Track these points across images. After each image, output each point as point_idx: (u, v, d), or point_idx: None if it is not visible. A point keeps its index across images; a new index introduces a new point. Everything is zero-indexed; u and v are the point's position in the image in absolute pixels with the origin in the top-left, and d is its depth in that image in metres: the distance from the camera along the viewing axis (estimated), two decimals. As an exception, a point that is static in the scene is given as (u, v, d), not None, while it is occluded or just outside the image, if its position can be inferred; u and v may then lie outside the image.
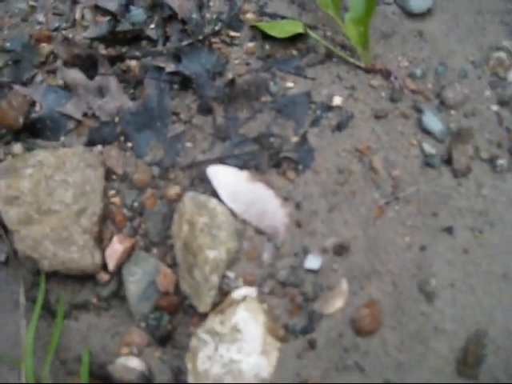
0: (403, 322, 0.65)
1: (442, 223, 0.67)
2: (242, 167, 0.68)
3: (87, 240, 0.67)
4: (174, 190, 0.69)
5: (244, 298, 0.65)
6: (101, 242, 0.68)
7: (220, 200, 0.66)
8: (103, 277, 0.68)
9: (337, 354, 0.64)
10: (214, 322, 0.64)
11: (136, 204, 0.69)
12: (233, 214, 0.67)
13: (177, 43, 0.73)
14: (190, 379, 0.64)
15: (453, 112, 0.70)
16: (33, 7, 0.79)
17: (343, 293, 0.66)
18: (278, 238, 0.66)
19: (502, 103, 0.71)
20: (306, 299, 0.65)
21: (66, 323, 0.68)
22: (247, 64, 0.72)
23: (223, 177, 0.68)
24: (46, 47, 0.76)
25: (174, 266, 0.67)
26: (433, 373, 0.64)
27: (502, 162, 0.68)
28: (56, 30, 0.77)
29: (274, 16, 0.75)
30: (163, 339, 0.67)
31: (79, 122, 0.71)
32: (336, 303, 0.66)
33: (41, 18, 0.79)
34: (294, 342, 0.65)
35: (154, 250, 0.68)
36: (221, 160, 0.69)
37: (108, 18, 0.76)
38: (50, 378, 0.65)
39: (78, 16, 0.77)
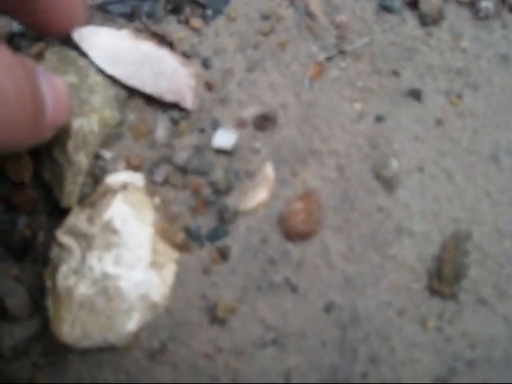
0: (352, 221, 0.46)
1: (405, 85, 0.48)
2: (130, 15, 0.49)
3: None
4: (37, 48, 0.49)
5: (124, 186, 0.46)
6: None
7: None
8: None
9: (259, 268, 0.45)
10: (78, 218, 0.45)
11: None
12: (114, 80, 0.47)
13: None
14: (49, 302, 0.45)
15: None
16: None
17: (268, 181, 0.47)
18: (185, 104, 0.47)
19: None
20: (216, 191, 0.46)
21: None
22: None
23: (96, 39, 0.48)
24: None
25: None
26: (395, 291, 0.45)
27: (486, 5, 0.50)
28: None
29: None
30: (20, 250, 0.48)
31: None
32: (257, 196, 0.46)
33: None
34: (198, 251, 0.46)
35: None
36: (102, 7, 0.50)
37: None
38: None
39: None
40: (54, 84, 0.37)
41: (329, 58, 0.48)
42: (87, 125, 0.45)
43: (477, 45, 0.49)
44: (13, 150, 0.34)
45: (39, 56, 0.49)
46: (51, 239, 0.46)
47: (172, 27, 0.49)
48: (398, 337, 0.45)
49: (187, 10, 0.49)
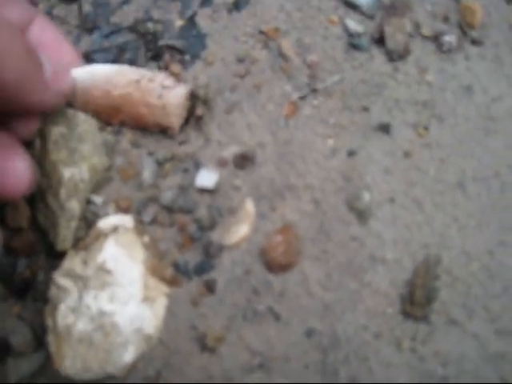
0: (329, 251, 0.50)
1: (375, 120, 0.52)
2: (113, 61, 0.53)
3: None
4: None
5: (115, 229, 0.50)
6: None
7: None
8: None
9: (244, 298, 0.49)
10: (73, 261, 0.49)
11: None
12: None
13: None
14: (50, 339, 0.49)
15: (384, -21, 0.55)
16: None
17: (249, 216, 0.50)
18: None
19: (449, -35, 0.56)
20: (201, 228, 0.50)
21: None
22: None
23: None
24: None
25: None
26: (371, 316, 0.49)
27: (449, 39, 0.53)
28: None
29: None
30: (21, 290, 0.52)
31: None
32: (240, 230, 0.50)
33: None
34: (186, 284, 0.50)
35: None
36: (87, 56, 0.53)
37: None
38: None
39: None
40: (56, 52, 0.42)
41: (302, 97, 0.52)
42: (78, 173, 0.49)
43: (441, 77, 0.53)
44: (19, 106, 0.37)
45: None
46: (50, 280, 0.50)
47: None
48: (375, 358, 0.49)
49: (167, 57, 0.53)
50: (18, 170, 0.40)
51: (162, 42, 0.53)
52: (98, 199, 0.50)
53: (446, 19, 0.54)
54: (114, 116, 0.50)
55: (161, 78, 0.49)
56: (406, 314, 0.50)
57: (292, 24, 0.54)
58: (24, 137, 0.44)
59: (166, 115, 0.49)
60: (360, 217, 0.51)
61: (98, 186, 0.51)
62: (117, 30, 0.54)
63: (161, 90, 0.48)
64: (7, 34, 0.35)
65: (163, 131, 0.50)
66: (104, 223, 0.50)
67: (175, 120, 0.49)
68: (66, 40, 0.45)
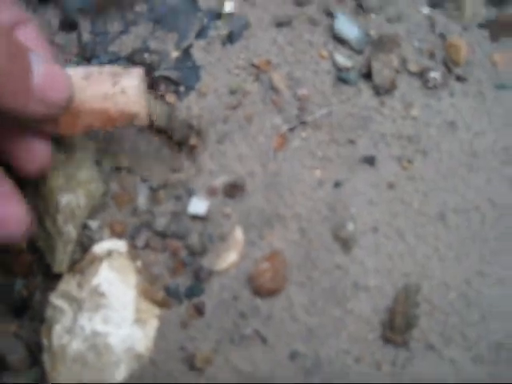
0: (314, 278, 0.53)
1: (361, 152, 0.55)
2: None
3: None
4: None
5: (109, 254, 0.53)
6: None
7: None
8: None
9: (231, 322, 0.52)
10: (69, 284, 0.52)
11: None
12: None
13: None
14: (45, 358, 0.52)
15: (373, 16, 0.58)
16: None
17: (238, 243, 0.53)
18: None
19: (435, 4, 0.59)
20: (192, 253, 0.53)
21: None
22: (118, -34, 0.60)
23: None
24: None
25: (23, 216, 0.54)
26: (353, 341, 0.52)
27: (434, 75, 0.56)
28: None
29: None
30: (18, 309, 0.55)
31: None
32: (229, 257, 0.53)
33: None
34: (177, 307, 0.53)
35: None
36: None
37: None
38: None
39: None
40: (48, 63, 0.38)
41: (291, 129, 0.55)
42: (75, 199, 0.52)
43: (426, 113, 0.56)
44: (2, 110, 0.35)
45: None
46: (46, 300, 0.53)
47: (152, 103, 0.55)
48: (356, 381, 0.52)
49: (162, 87, 0.55)
50: (17, 217, 0.40)
51: (157, 73, 0.56)
52: (93, 224, 0.53)
53: (431, 56, 0.57)
54: (75, 124, 0.45)
55: (108, 68, 0.45)
56: (387, 340, 0.52)
57: (283, 58, 0.56)
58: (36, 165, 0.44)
59: (128, 101, 0.45)
60: (344, 246, 0.53)
61: (93, 211, 0.54)
62: (115, 59, 0.57)
63: (113, 77, 0.45)
64: None
65: (132, 122, 0.46)
66: (99, 248, 0.53)
67: (139, 103, 0.45)
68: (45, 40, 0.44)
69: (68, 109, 0.42)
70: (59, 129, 0.44)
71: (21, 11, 0.42)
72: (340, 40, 0.57)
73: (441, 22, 0.58)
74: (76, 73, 0.43)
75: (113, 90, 0.44)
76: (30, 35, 0.42)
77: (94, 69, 0.44)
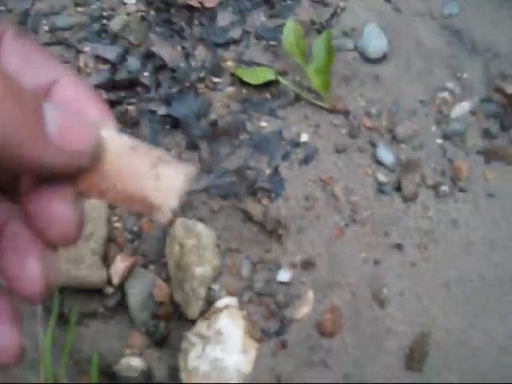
0: (360, 325, 0.80)
1: (393, 241, 0.82)
2: (224, 196, 0.84)
3: (95, 259, 0.83)
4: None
5: (226, 307, 0.81)
6: (106, 260, 0.84)
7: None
8: (108, 290, 0.84)
9: (305, 353, 0.80)
10: (201, 326, 0.80)
11: (135, 228, 0.85)
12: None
13: (167, 89, 0.88)
14: (183, 375, 0.80)
15: (403, 146, 0.85)
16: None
17: (309, 301, 0.81)
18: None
19: (446, 137, 0.86)
20: (279, 306, 0.81)
21: (78, 329, 0.84)
22: (227, 106, 0.88)
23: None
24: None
25: (167, 280, 0.83)
26: (385, 367, 0.80)
27: (444, 188, 0.83)
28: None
29: (250, 63, 0.90)
30: (160, 342, 0.83)
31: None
32: (304, 310, 0.81)
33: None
34: (268, 342, 0.80)
35: (151, 267, 0.83)
36: (206, 190, 0.84)
37: (107, 66, 0.92)
38: (65, 377, 0.81)
39: (81, 64, 0.92)
40: (65, 111, 0.33)
41: (346, 225, 0.82)
42: (204, 271, 0.80)
43: (438, 214, 0.83)
44: (13, 160, 0.30)
45: (170, 224, 0.84)
46: (182, 336, 0.81)
47: (250, 204, 0.83)
48: (387, 395, 0.79)
49: (259, 194, 0.84)
50: (8, 346, 0.33)
51: (257, 185, 0.84)
52: (215, 286, 0.81)
53: (443, 174, 0.84)
54: (96, 185, 0.37)
55: (160, 152, 0.37)
56: (408, 367, 0.80)
57: (341, 174, 0.84)
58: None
59: (156, 190, 0.37)
60: (381, 304, 0.81)
61: (215, 278, 0.82)
62: (226, 173, 0.85)
63: (158, 160, 0.38)
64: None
65: (151, 213, 0.36)
66: (219, 303, 0.81)
67: (167, 198, 0.37)
68: (96, 98, 0.37)
69: (95, 166, 0.35)
70: (79, 185, 0.37)
71: (56, 65, 0.36)
72: (380, 163, 0.84)
73: (450, 149, 0.86)
74: (125, 139, 0.37)
75: (149, 171, 0.37)
76: (69, 89, 0.37)
77: (145, 145, 0.38)
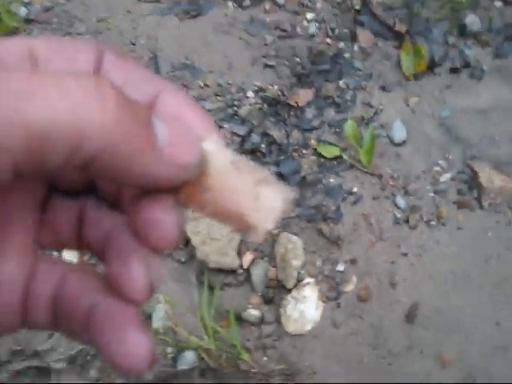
0: (381, 297, 1.46)
1: (402, 251, 1.48)
2: (308, 220, 1.50)
3: (234, 254, 1.49)
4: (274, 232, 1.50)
5: (308, 283, 1.47)
6: (239, 254, 1.50)
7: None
8: (240, 271, 1.50)
9: (350, 310, 1.47)
10: (294, 293, 1.47)
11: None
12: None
13: (276, 156, 1.53)
14: (283, 319, 1.46)
15: (411, 197, 1.50)
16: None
17: (353, 282, 1.48)
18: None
19: (436, 192, 1.51)
20: (337, 284, 1.47)
21: (220, 293, 1.50)
22: (311, 168, 1.53)
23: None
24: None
25: (275, 267, 1.48)
26: (393, 320, 1.46)
27: (433, 222, 1.49)
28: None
29: (325, 142, 1.55)
30: (269, 301, 1.49)
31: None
32: (350, 286, 1.48)
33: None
34: (330, 303, 1.47)
35: (266, 259, 1.49)
36: (298, 216, 1.50)
37: (239, 139, 1.57)
38: (212, 321, 1.47)
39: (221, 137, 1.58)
40: (173, 122, 0.32)
41: (376, 241, 1.48)
42: (297, 263, 1.47)
43: (428, 237, 1.48)
44: (122, 169, 0.29)
45: (276, 237, 1.51)
46: (281, 297, 1.48)
47: (324, 226, 1.49)
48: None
49: (328, 220, 1.49)
50: (139, 350, 0.32)
51: (326, 215, 1.49)
52: (302, 271, 1.48)
53: (432, 214, 1.49)
54: (197, 198, 0.34)
55: (264, 172, 0.34)
56: (406, 320, 1.45)
57: (374, 211, 1.49)
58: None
59: (254, 209, 0.34)
60: (393, 286, 1.46)
61: (302, 266, 1.48)
62: (309, 207, 1.50)
63: (259, 179, 0.34)
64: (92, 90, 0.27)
65: (246, 232, 0.34)
66: (304, 281, 1.48)
67: (264, 219, 0.34)
68: (200, 111, 0.35)
69: (198, 179, 0.33)
70: (179, 196, 0.34)
71: (157, 81, 0.35)
72: (397, 206, 1.49)
73: (437, 200, 1.50)
74: (229, 154, 0.34)
75: (250, 190, 0.34)
76: (170, 102, 0.35)
77: (248, 162, 0.34)
